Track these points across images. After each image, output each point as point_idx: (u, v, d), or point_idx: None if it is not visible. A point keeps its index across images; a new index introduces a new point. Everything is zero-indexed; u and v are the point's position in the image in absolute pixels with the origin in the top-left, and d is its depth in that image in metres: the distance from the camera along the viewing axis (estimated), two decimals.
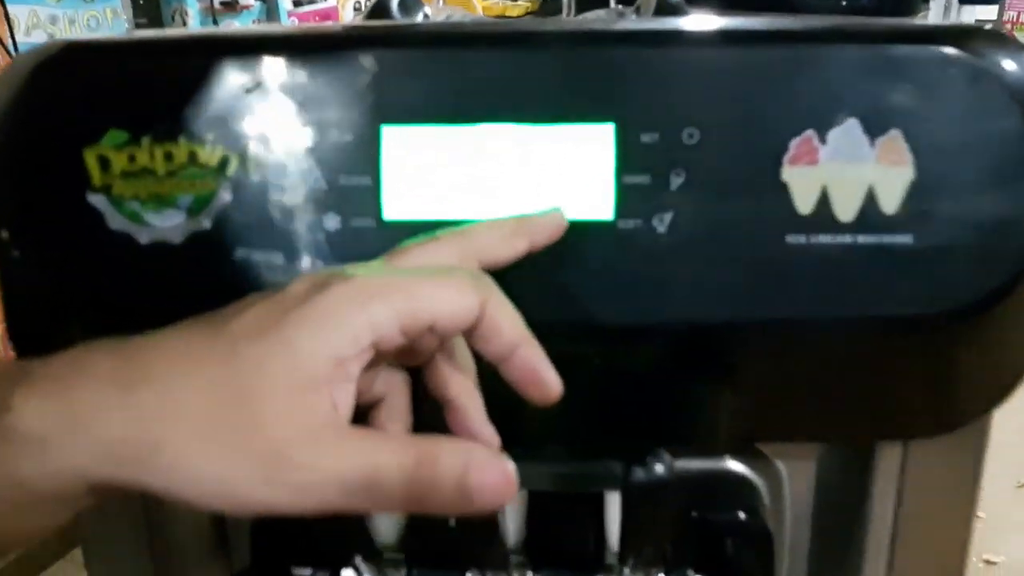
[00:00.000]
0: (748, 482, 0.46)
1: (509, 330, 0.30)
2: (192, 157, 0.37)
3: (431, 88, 0.36)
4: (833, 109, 0.35)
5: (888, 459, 0.45)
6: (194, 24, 2.21)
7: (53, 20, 1.93)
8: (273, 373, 0.26)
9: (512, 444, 0.32)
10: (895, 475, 0.44)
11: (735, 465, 0.46)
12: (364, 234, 0.37)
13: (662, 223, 0.37)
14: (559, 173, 0.37)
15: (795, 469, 0.48)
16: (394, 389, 0.32)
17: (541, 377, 0.29)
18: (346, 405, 0.27)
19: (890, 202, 0.36)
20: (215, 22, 2.24)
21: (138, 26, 2.12)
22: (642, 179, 0.36)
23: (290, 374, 0.26)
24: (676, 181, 0.36)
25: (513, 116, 0.36)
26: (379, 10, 0.49)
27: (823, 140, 0.36)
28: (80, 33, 2.00)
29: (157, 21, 2.23)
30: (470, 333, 0.30)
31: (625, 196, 0.36)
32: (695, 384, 0.40)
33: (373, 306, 0.27)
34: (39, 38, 1.89)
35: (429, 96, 0.36)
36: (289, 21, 2.41)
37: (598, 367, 0.39)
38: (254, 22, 2.36)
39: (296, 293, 0.29)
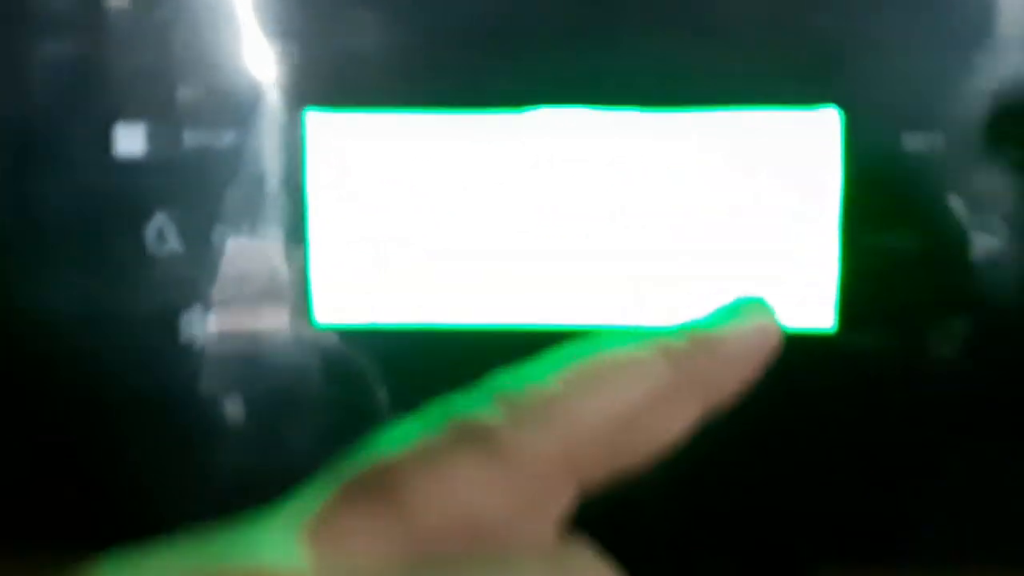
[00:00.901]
0: None
1: None
2: None
3: (404, 31, 0.20)
4: None
5: None
6: None
7: None
8: None
9: None
10: None
11: None
12: (287, 344, 0.22)
13: (949, 340, 0.19)
14: (712, 218, 0.20)
15: None
16: None
17: None
18: None
19: None
20: None
21: None
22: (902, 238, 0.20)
23: None
24: (983, 243, 0.19)
25: (611, 93, 0.20)
26: None
27: None
28: None
29: None
30: None
31: (863, 277, 0.19)
32: None
33: None
34: None
35: (405, 48, 0.20)
36: None
37: None
38: None
39: None
